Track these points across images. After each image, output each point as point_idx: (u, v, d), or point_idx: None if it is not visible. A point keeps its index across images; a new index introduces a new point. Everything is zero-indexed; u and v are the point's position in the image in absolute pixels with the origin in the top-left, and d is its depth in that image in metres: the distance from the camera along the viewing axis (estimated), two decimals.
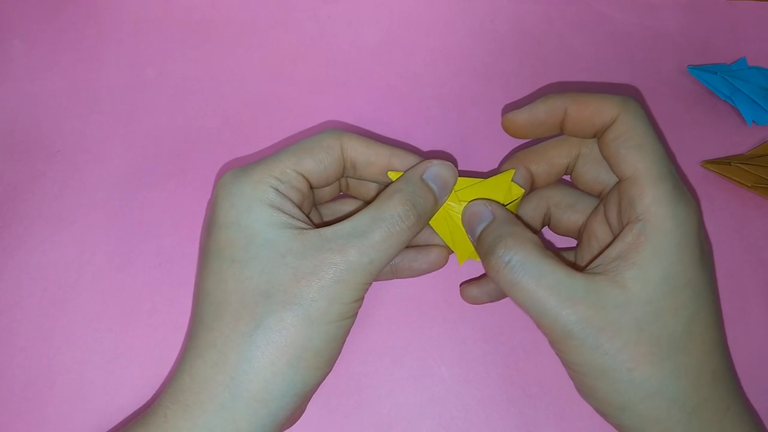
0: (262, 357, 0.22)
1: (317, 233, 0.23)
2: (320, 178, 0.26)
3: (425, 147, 0.37)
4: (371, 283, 0.24)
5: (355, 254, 0.23)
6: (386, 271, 0.29)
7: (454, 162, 0.27)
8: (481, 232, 0.25)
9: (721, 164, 0.36)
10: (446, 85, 0.39)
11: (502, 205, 0.26)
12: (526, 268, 0.22)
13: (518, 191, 0.27)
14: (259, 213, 0.23)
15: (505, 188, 0.27)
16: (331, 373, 0.31)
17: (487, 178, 0.27)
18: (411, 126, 0.38)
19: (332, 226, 0.24)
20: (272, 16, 0.42)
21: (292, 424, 0.26)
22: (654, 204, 0.22)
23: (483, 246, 0.24)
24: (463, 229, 0.26)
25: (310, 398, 0.25)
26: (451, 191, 0.26)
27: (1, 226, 0.34)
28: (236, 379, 0.22)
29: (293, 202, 0.24)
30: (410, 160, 0.27)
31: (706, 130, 0.38)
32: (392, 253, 0.24)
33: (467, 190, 0.26)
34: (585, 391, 0.23)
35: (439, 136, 0.37)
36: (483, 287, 0.30)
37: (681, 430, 0.22)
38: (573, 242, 0.30)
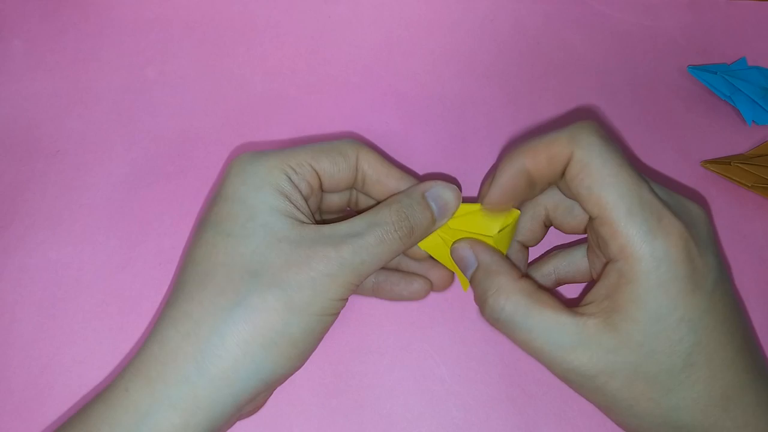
0: (236, 334, 0.21)
1: (316, 228, 0.24)
2: (332, 181, 0.26)
3: (425, 147, 0.37)
4: (357, 286, 0.24)
5: (348, 252, 0.23)
6: (368, 288, 0.30)
7: (460, 188, 0.27)
8: (471, 278, 0.25)
9: (721, 164, 0.36)
10: (446, 85, 0.39)
11: (487, 245, 0.26)
12: (515, 322, 0.23)
13: (514, 212, 0.27)
14: (267, 195, 0.24)
15: (503, 213, 0.26)
16: (331, 373, 0.31)
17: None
18: (411, 126, 0.38)
19: (330, 224, 0.24)
20: (272, 16, 0.42)
21: (251, 414, 0.26)
22: (628, 244, 0.21)
23: (475, 293, 0.25)
24: None
25: (274, 389, 0.25)
26: (452, 214, 0.26)
27: (1, 226, 0.34)
28: (205, 353, 0.21)
29: (302, 194, 0.25)
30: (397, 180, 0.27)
31: (706, 130, 0.38)
32: (383, 258, 0.24)
33: (462, 219, 0.26)
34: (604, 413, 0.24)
35: (439, 136, 0.37)
36: None
37: None
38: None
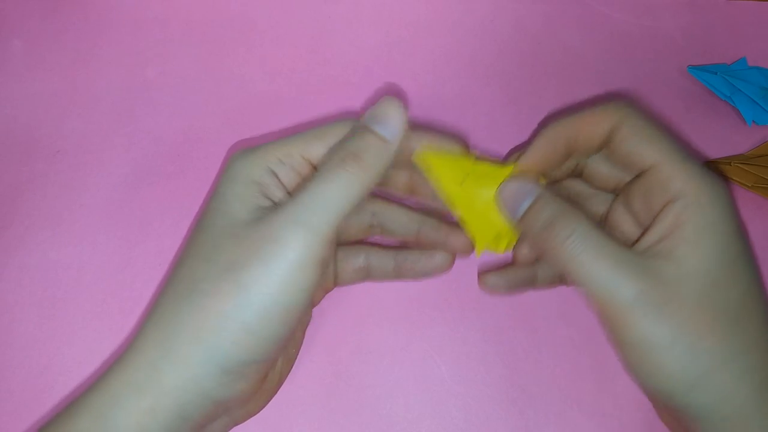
0: (190, 320, 0.22)
1: (273, 206, 0.23)
2: None
3: None
4: (325, 256, 0.22)
5: (300, 208, 0.22)
6: (389, 271, 0.30)
7: (464, 140, 0.27)
8: (530, 209, 0.24)
9: (721, 164, 0.36)
10: (446, 86, 0.39)
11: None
12: (587, 242, 0.22)
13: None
14: (242, 189, 0.23)
15: None
16: (331, 373, 0.31)
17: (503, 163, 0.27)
18: (411, 126, 0.38)
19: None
20: (272, 15, 0.42)
21: (250, 416, 0.26)
22: (688, 182, 0.22)
23: (536, 222, 0.24)
24: (487, 215, 0.26)
25: (254, 379, 0.23)
26: (402, 128, 0.24)
27: (1, 226, 0.34)
28: (167, 339, 0.22)
29: (284, 186, 0.24)
30: (427, 138, 0.26)
31: (706, 130, 0.38)
32: (344, 201, 0.22)
33: (489, 178, 0.26)
34: (648, 371, 0.22)
35: None
36: (504, 276, 0.29)
37: (751, 407, 0.21)
38: None
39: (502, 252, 0.27)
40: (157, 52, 0.40)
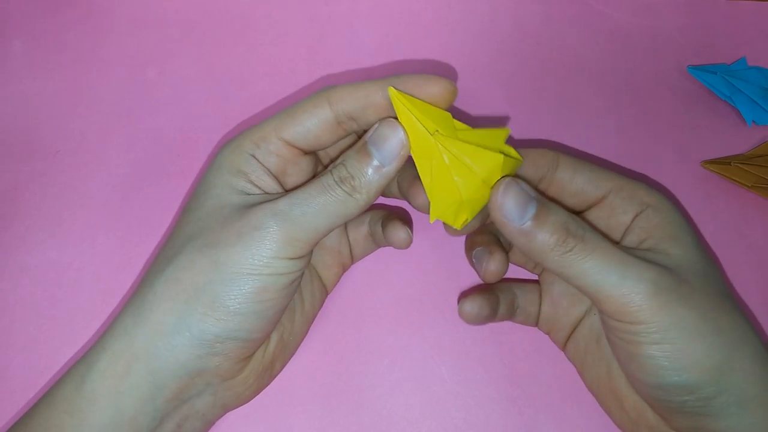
0: (164, 291, 0.22)
1: (264, 195, 0.24)
2: (309, 142, 0.25)
3: None
4: (306, 244, 0.23)
5: (285, 203, 0.23)
6: (369, 241, 0.30)
7: (454, 75, 0.27)
8: (539, 215, 0.23)
9: (721, 164, 0.36)
10: None
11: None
12: (597, 243, 0.23)
13: (517, 157, 0.25)
14: (225, 175, 0.24)
15: (501, 147, 0.25)
16: (331, 373, 0.31)
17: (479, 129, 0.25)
18: None
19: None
20: (272, 16, 0.42)
21: (242, 401, 0.26)
22: (649, 195, 0.25)
23: (547, 228, 0.23)
24: (450, 180, 0.24)
25: (234, 356, 0.23)
26: (400, 156, 0.23)
27: (1, 226, 0.34)
28: (140, 307, 0.23)
29: (268, 169, 0.25)
30: (403, 82, 0.24)
31: (706, 130, 0.38)
32: (331, 211, 0.23)
33: (466, 145, 0.24)
34: (675, 366, 0.22)
35: None
36: (488, 303, 0.28)
37: (762, 385, 0.22)
38: None
39: (459, 227, 0.25)
40: (157, 52, 0.40)
